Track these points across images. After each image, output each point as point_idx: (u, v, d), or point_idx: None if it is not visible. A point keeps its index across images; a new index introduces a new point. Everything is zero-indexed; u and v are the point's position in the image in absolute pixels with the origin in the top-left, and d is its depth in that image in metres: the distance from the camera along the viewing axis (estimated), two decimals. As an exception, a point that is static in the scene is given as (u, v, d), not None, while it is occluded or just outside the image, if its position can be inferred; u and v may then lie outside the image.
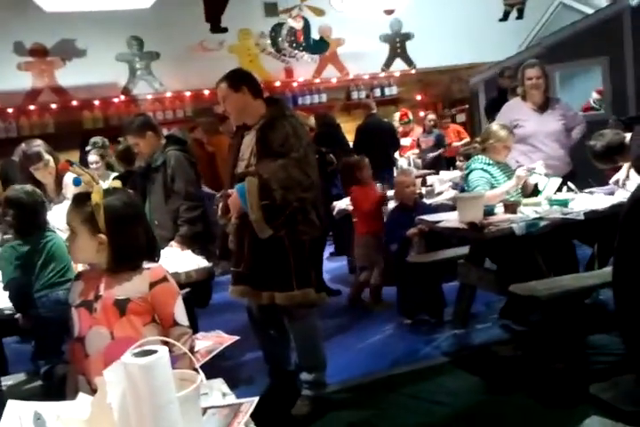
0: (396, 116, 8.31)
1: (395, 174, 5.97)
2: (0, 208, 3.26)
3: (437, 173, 6.21)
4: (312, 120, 5.65)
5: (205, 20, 8.53)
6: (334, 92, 9.15)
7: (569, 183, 3.98)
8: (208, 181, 5.41)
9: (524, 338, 3.75)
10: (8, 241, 3.19)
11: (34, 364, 3.30)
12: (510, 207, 3.65)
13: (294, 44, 9.14)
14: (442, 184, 5.58)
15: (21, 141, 4.14)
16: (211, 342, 2.24)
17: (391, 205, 4.80)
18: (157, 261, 1.94)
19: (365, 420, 3.03)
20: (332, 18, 9.32)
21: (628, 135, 3.61)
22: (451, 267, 4.12)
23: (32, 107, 7.58)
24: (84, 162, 5.14)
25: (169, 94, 8.24)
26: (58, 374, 2.86)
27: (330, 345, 3.28)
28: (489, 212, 3.62)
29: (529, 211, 3.60)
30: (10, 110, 7.47)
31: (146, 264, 1.86)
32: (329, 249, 6.41)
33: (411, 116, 8.30)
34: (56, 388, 2.59)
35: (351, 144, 6.89)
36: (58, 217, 3.13)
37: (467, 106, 9.24)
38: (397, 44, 9.77)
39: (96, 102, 7.83)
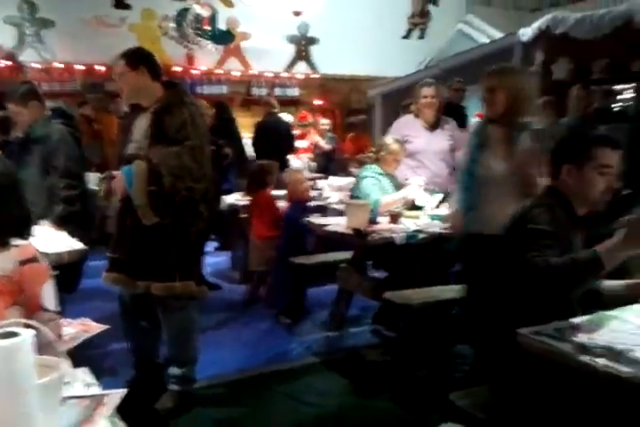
0: (291, 117, 8.34)
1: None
2: None
3: (327, 178, 6.31)
4: (212, 111, 5.54)
5: (110, -7, 8.19)
6: (235, 85, 9.05)
7: (450, 199, 4.17)
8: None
9: (393, 344, 3.86)
10: None
11: None
12: (394, 218, 3.78)
13: (199, 32, 8.94)
14: (331, 189, 5.66)
15: None
16: (76, 329, 2.14)
17: (280, 204, 4.80)
18: (27, 239, 1.80)
19: (231, 417, 2.99)
20: (241, 11, 9.25)
21: None
22: (329, 270, 4.19)
23: None
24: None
25: (58, 65, 7.76)
26: None
27: (203, 340, 3.21)
28: (373, 220, 3.74)
29: (410, 223, 3.74)
30: None
31: (14, 241, 1.71)
32: (213, 244, 6.31)
33: (310, 120, 8.38)
34: None
35: (248, 140, 6.83)
36: None
37: (364, 116, 9.48)
38: (303, 46, 9.85)
39: (-25, 64, 7.25)
